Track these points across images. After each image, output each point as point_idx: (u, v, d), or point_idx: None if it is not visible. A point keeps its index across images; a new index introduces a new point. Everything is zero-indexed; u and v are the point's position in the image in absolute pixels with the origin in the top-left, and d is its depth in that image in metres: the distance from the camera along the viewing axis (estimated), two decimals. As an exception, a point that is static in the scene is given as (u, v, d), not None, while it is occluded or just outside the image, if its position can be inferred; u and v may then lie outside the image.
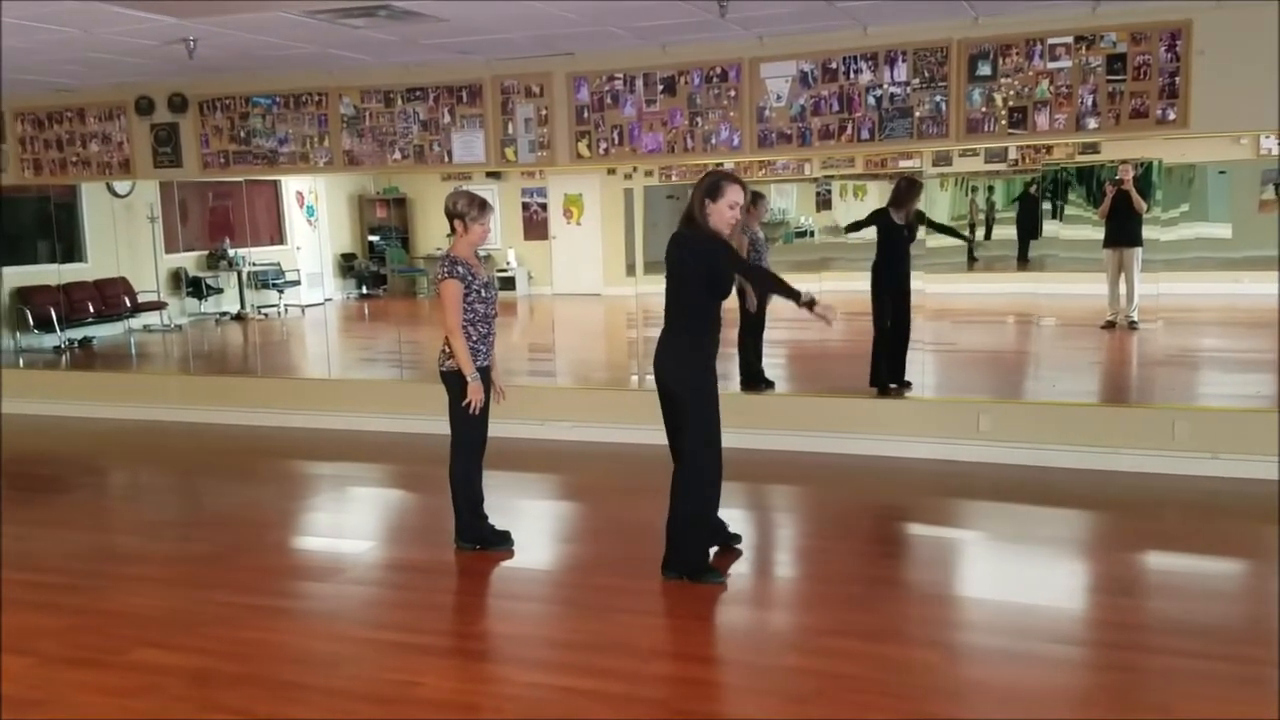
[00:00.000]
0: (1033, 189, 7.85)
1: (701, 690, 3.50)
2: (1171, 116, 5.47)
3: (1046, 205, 7.58)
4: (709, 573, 4.29)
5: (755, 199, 7.23)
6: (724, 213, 4.05)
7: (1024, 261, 8.13)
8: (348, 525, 5.57)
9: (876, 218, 6.84)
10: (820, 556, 4.82)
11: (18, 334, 9.12)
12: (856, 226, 7.09)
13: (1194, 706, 3.23)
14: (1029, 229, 8.03)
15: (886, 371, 6.79)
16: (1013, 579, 4.43)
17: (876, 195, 7.75)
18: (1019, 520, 5.25)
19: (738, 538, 4.68)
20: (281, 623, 4.09)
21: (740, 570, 4.53)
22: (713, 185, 4.07)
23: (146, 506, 6.16)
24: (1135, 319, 7.73)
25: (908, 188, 6.68)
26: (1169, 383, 7.03)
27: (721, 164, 7.07)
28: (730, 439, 6.48)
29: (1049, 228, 7.59)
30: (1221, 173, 7.16)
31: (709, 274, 4.09)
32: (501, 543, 4.81)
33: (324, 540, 5.28)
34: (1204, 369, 7.60)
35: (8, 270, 8.95)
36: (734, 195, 4.04)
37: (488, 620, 4.29)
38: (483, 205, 4.61)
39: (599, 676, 3.52)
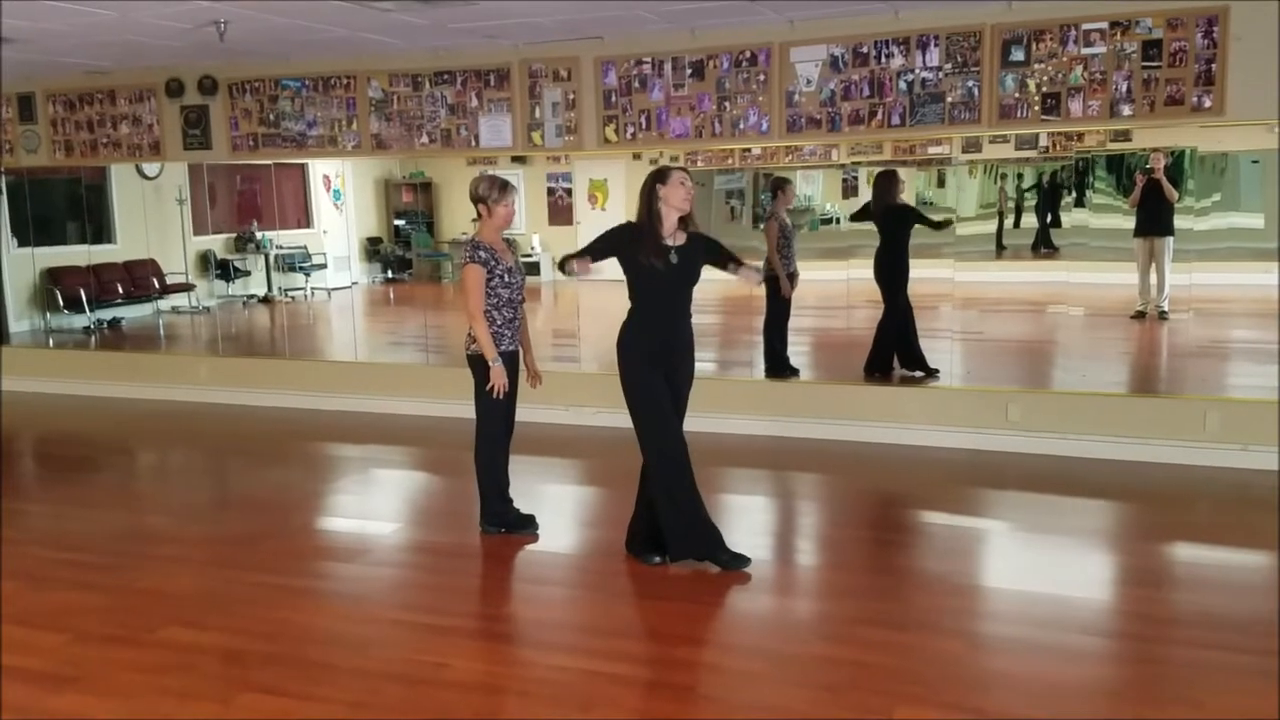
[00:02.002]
0: (1044, 178, 7.79)
1: (729, 677, 3.49)
2: (1207, 104, 5.39)
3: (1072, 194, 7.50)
4: (737, 558, 4.28)
5: (782, 184, 7.21)
6: (677, 189, 4.19)
7: (1047, 249, 8.06)
8: (374, 508, 5.60)
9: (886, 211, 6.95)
10: (847, 545, 4.81)
11: (48, 314, 9.22)
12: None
13: (1225, 701, 3.20)
14: (1050, 217, 7.97)
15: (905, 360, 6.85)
16: (1041, 570, 4.40)
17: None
18: (1047, 511, 5.22)
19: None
20: (310, 603, 4.12)
21: (767, 558, 4.52)
22: (659, 173, 4.25)
23: (177, 487, 6.22)
24: (1166, 309, 7.65)
25: (886, 179, 6.90)
26: (1200, 374, 6.96)
27: (749, 149, 7.07)
28: (755, 426, 6.55)
29: (1079, 216, 7.50)
30: (1255, 162, 7.06)
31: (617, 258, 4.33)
32: (526, 527, 4.82)
33: (351, 522, 5.31)
34: (1236, 360, 7.51)
35: (38, 251, 9.05)
36: (681, 174, 4.23)
37: (514, 603, 4.32)
38: (504, 186, 4.62)
39: (626, 661, 3.54)
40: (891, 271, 6.94)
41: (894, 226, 6.93)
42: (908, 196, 7.22)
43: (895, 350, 6.90)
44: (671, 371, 4.27)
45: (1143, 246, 7.57)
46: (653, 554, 4.37)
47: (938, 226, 6.93)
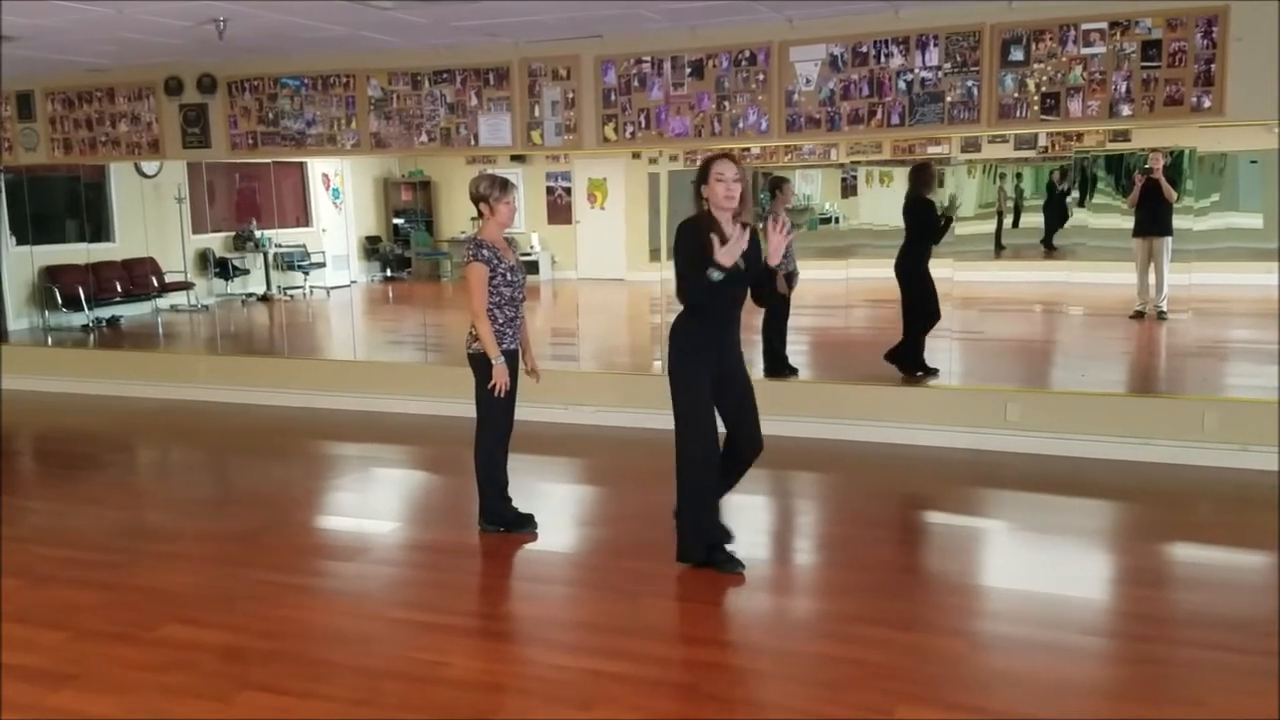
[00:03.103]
0: (1055, 177, 7.78)
1: (730, 675, 3.50)
2: (1207, 104, 5.40)
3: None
4: (731, 560, 4.29)
5: (780, 184, 7.20)
6: (715, 188, 4.04)
7: (1050, 249, 8.06)
8: (373, 506, 5.60)
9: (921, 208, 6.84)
10: (847, 544, 4.81)
11: (46, 312, 9.21)
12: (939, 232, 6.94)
13: (1225, 701, 3.20)
14: (1055, 217, 7.96)
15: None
16: (1040, 569, 4.41)
17: (903, 181, 7.68)
18: (1047, 510, 5.23)
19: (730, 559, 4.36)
20: (310, 601, 4.12)
21: (766, 557, 4.53)
22: (701, 169, 4.13)
23: (177, 484, 6.22)
24: (1164, 309, 7.66)
25: (921, 171, 6.76)
26: (1199, 374, 6.97)
27: (748, 148, 7.06)
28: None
29: (1079, 216, 7.51)
30: (1253, 162, 7.06)
31: (675, 257, 4.13)
32: (525, 525, 4.83)
33: (351, 520, 5.31)
34: (1234, 360, 7.52)
35: (37, 249, 9.03)
36: (718, 169, 4.05)
37: (513, 602, 4.32)
38: (504, 184, 4.63)
39: (627, 659, 3.53)
40: (918, 266, 6.85)
41: (923, 221, 6.83)
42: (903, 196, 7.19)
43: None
44: (725, 372, 4.20)
45: (1142, 246, 7.58)
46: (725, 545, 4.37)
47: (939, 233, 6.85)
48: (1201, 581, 4.33)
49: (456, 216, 11.29)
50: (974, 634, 3.78)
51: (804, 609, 4.13)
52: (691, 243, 4.04)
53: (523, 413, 4.90)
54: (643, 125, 6.53)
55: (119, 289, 9.50)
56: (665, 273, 7.12)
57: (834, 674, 3.43)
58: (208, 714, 3.21)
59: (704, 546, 4.27)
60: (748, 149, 7.12)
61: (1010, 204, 8.30)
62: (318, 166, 11.15)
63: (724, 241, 3.94)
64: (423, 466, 6.42)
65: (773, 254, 3.99)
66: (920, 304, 6.84)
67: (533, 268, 11.35)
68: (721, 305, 4.14)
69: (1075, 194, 7.45)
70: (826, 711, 3.17)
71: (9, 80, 7.97)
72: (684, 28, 6.22)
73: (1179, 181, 7.04)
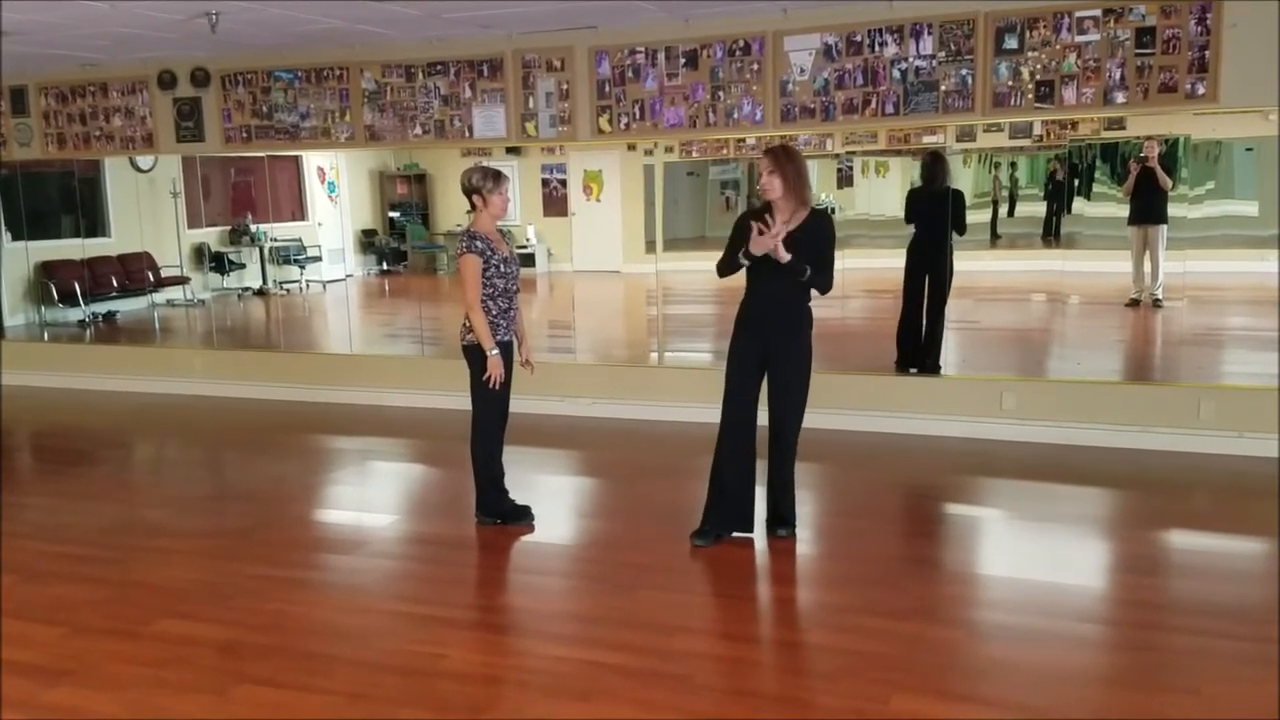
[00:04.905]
0: (1059, 167, 7.77)
1: (726, 666, 3.50)
2: (1201, 91, 5.39)
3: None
4: (695, 534, 4.51)
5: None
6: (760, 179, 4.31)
7: (1049, 238, 8.06)
8: (370, 499, 5.60)
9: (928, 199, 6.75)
10: (845, 534, 4.82)
11: (42, 308, 9.20)
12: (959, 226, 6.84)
13: (1222, 688, 3.21)
14: (1056, 206, 7.96)
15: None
16: (1038, 558, 4.42)
17: (899, 171, 7.69)
18: (1043, 499, 5.24)
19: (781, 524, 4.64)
20: (307, 595, 4.12)
21: (763, 548, 4.53)
22: None
23: (173, 480, 6.22)
24: (1160, 297, 7.66)
25: (935, 162, 6.64)
26: (1194, 361, 6.98)
27: (744, 139, 7.05)
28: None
29: (1075, 205, 7.51)
30: (1248, 149, 7.06)
31: None
32: (522, 517, 4.84)
33: (347, 514, 5.32)
34: (1229, 347, 7.53)
35: (33, 245, 9.02)
36: (760, 167, 4.30)
37: (510, 594, 4.32)
38: (497, 176, 4.63)
39: (623, 651, 3.54)
40: (941, 258, 6.77)
41: (941, 211, 6.75)
42: (903, 187, 7.18)
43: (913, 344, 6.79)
44: (774, 355, 4.38)
45: (1136, 234, 7.58)
46: (778, 528, 4.59)
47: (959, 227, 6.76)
48: (1197, 569, 4.34)
49: (452, 209, 11.27)
50: (971, 623, 3.79)
51: (800, 599, 4.14)
52: (734, 230, 4.38)
53: (519, 405, 4.90)
54: (637, 116, 6.51)
55: (115, 284, 9.49)
56: (661, 264, 7.13)
57: (830, 664, 3.44)
58: (204, 709, 3.21)
59: (723, 514, 4.48)
60: (743, 140, 7.12)
61: (1006, 193, 8.30)
62: (313, 160, 11.12)
63: (760, 231, 4.15)
64: (419, 459, 6.42)
65: (777, 257, 4.15)
66: (939, 300, 6.73)
67: (529, 260, 11.34)
68: (760, 288, 4.36)
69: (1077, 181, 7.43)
70: (822, 701, 3.18)
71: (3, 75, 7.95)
72: (678, 18, 6.21)
73: (1174, 169, 7.04)
